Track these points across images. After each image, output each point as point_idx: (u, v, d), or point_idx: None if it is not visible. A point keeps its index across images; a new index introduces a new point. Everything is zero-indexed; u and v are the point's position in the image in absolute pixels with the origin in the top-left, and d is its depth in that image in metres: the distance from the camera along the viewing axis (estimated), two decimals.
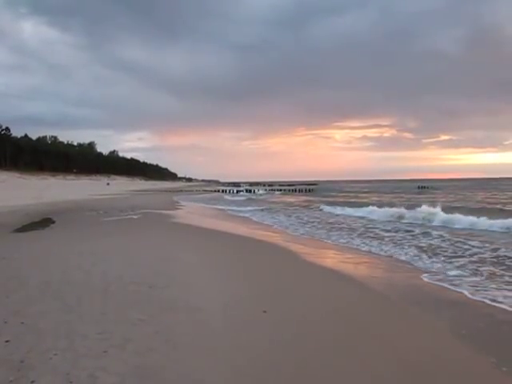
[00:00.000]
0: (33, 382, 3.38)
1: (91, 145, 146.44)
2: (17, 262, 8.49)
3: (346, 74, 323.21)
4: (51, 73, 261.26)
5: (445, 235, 13.31)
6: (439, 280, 7.49)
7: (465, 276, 7.79)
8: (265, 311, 5.41)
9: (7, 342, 4.18)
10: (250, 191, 77.42)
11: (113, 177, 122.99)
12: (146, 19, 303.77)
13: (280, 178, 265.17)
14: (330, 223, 18.50)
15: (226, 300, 5.93)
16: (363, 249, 11.41)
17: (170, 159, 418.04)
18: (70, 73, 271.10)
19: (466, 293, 6.57)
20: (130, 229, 15.36)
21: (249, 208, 30.85)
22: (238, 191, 77.54)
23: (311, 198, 46.00)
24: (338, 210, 25.56)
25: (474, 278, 7.57)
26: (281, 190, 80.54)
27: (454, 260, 9.41)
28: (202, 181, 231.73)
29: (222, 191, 79.56)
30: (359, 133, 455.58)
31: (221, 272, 8.00)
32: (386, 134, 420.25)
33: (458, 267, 8.60)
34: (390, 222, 18.79)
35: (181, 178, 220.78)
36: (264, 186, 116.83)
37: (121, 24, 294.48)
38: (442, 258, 9.67)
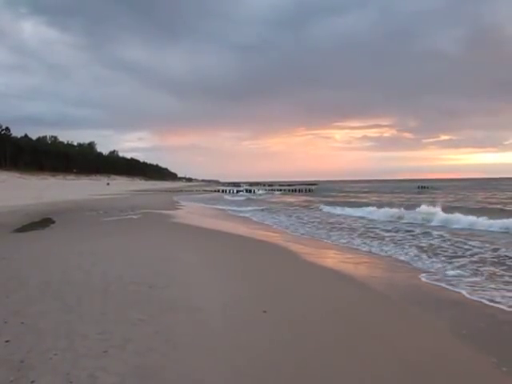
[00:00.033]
0: (33, 382, 3.38)
1: (91, 145, 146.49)
2: (17, 262, 8.49)
3: (346, 73, 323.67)
4: (51, 73, 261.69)
5: (445, 235, 13.31)
6: (439, 280, 7.49)
7: (465, 276, 7.78)
8: (265, 311, 5.41)
9: (7, 342, 4.18)
10: (250, 191, 77.39)
11: (113, 177, 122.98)
12: (146, 19, 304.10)
13: (280, 178, 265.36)
14: (331, 223, 18.50)
15: (226, 300, 5.93)
16: (363, 249, 11.41)
17: (170, 159, 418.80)
18: (69, 73, 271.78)
19: (464, 292, 6.57)
20: (130, 229, 15.36)
21: (249, 208, 30.85)
22: (237, 191, 77.50)
23: (311, 198, 45.99)
24: (338, 210, 25.56)
25: (475, 278, 7.57)
26: (281, 190, 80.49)
27: (454, 260, 9.41)
28: (202, 181, 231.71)
29: (222, 191, 79.53)
30: (359, 133, 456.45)
31: (221, 272, 8.00)
32: (386, 134, 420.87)
33: (458, 267, 8.59)
34: (390, 222, 18.78)
35: (181, 178, 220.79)
36: (264, 185, 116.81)
37: (121, 24, 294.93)
38: (443, 258, 9.67)
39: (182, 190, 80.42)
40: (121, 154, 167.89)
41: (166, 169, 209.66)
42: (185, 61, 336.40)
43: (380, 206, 25.57)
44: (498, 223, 15.35)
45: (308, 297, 6.40)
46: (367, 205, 27.80)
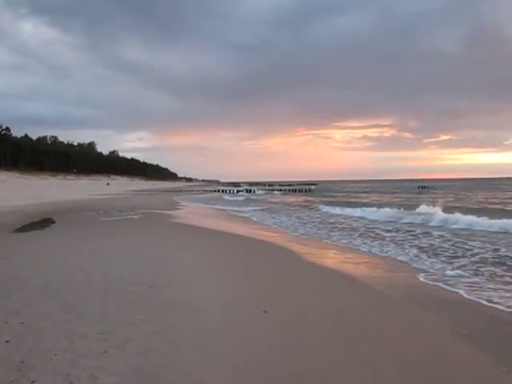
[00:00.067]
0: (33, 382, 3.38)
1: (91, 145, 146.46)
2: (17, 263, 8.49)
3: (346, 73, 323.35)
4: (51, 73, 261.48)
5: (445, 235, 13.31)
6: (440, 280, 7.48)
7: (465, 276, 7.78)
8: (265, 311, 5.41)
9: (7, 342, 4.18)
10: (250, 191, 77.42)
11: (113, 177, 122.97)
12: (146, 19, 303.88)
13: (280, 178, 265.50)
14: (331, 223, 18.51)
15: (226, 300, 5.93)
16: (364, 249, 11.41)
17: (170, 159, 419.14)
18: (70, 73, 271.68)
19: (462, 293, 6.57)
20: (130, 229, 15.37)
21: (249, 208, 30.86)
22: (237, 191, 77.49)
23: (311, 198, 46.00)
24: (338, 210, 25.56)
25: (475, 279, 7.57)
26: (281, 190, 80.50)
27: (454, 260, 9.41)
28: (202, 181, 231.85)
29: (222, 191, 79.58)
30: (359, 133, 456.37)
31: (221, 272, 8.00)
32: (386, 134, 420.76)
33: (458, 267, 8.59)
34: (390, 222, 18.78)
35: (181, 178, 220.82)
36: (264, 186, 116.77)
37: (121, 24, 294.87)
38: (443, 258, 9.66)
39: (182, 190, 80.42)
40: (121, 154, 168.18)
41: (166, 169, 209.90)
42: (185, 61, 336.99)
43: (380, 206, 25.59)
44: (498, 223, 15.35)
45: (308, 297, 6.40)
46: (367, 205, 27.83)
